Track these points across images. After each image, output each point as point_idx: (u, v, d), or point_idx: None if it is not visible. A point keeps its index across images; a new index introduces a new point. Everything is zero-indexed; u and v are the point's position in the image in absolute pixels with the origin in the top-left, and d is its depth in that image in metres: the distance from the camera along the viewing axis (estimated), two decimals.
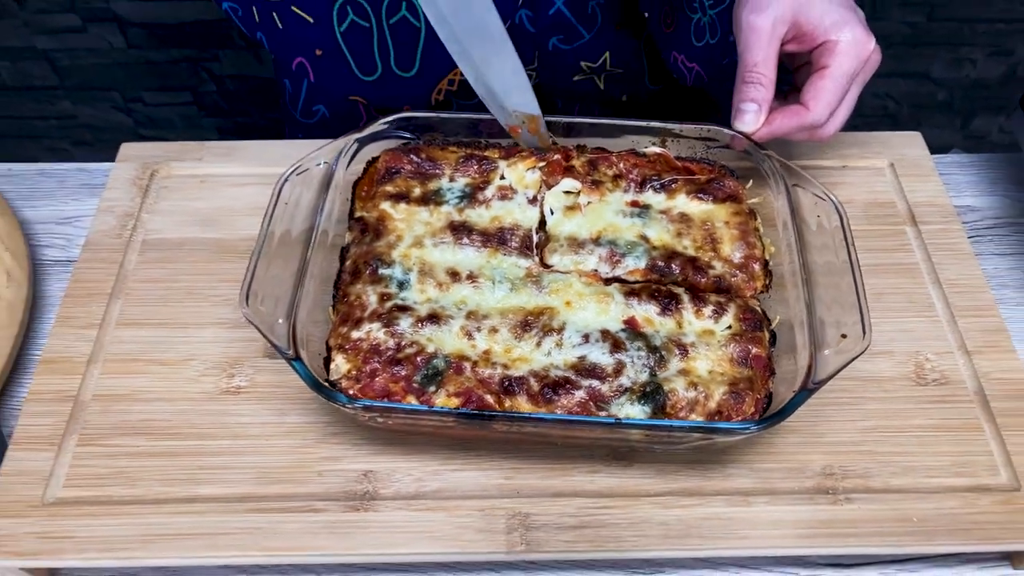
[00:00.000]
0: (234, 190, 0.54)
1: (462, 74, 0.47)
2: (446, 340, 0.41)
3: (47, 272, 0.55)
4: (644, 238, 0.45)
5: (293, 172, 0.46)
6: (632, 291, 0.43)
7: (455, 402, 0.39)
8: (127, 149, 0.56)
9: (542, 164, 0.48)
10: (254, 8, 0.59)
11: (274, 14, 0.58)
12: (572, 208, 0.46)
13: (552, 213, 0.47)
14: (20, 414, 0.44)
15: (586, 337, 0.41)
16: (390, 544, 0.40)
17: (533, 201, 0.47)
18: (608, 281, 0.44)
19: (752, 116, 0.47)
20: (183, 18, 1.38)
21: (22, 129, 1.53)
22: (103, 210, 0.53)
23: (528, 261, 0.45)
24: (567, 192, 0.47)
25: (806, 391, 0.38)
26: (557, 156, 0.48)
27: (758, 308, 0.43)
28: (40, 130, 1.52)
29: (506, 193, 0.47)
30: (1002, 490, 0.42)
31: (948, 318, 0.48)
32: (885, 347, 0.47)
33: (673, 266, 0.44)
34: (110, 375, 0.46)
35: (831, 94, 0.47)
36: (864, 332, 0.39)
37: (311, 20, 0.58)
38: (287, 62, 0.62)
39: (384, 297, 0.43)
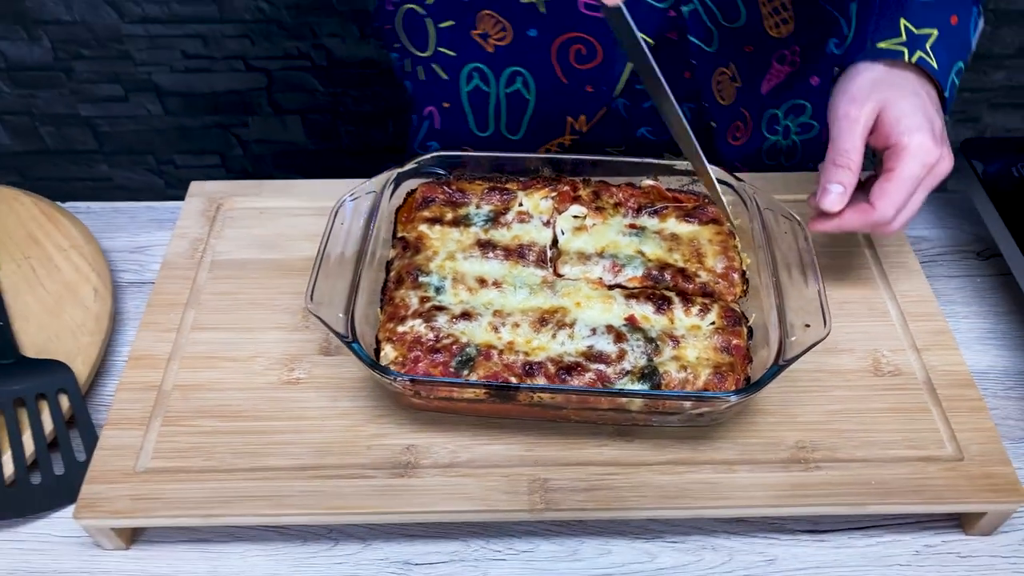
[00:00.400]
0: (289, 219, 0.62)
1: (560, 143, 0.57)
2: (476, 333, 0.49)
3: (124, 292, 0.63)
4: (641, 252, 0.54)
5: (348, 198, 0.54)
6: (631, 294, 0.51)
7: (485, 393, 0.47)
8: (196, 187, 0.65)
9: (554, 194, 0.57)
10: (408, 60, 0.72)
11: (420, 67, 0.71)
12: (580, 229, 0.55)
13: (563, 233, 0.55)
14: (113, 400, 0.52)
15: (593, 330, 0.49)
16: (430, 504, 0.47)
17: (547, 224, 0.55)
18: (611, 287, 0.52)
19: (837, 197, 0.52)
20: (216, 87, 1.50)
21: (60, 190, 1.63)
22: (177, 236, 0.62)
23: (543, 271, 0.53)
24: (575, 216, 0.56)
25: (777, 367, 0.45)
26: (566, 187, 0.57)
27: (737, 309, 0.51)
28: (78, 191, 1.62)
29: (524, 217, 0.56)
30: (947, 460, 0.49)
31: (901, 322, 0.56)
32: (847, 345, 0.54)
33: (665, 275, 0.52)
34: (187, 369, 0.53)
35: (897, 195, 0.51)
36: (825, 323, 0.47)
37: (446, 78, 0.69)
38: (421, 107, 0.74)
39: (424, 299, 0.51)
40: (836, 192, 0.52)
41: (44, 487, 0.51)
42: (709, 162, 0.54)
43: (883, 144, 0.52)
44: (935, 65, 0.53)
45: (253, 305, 0.57)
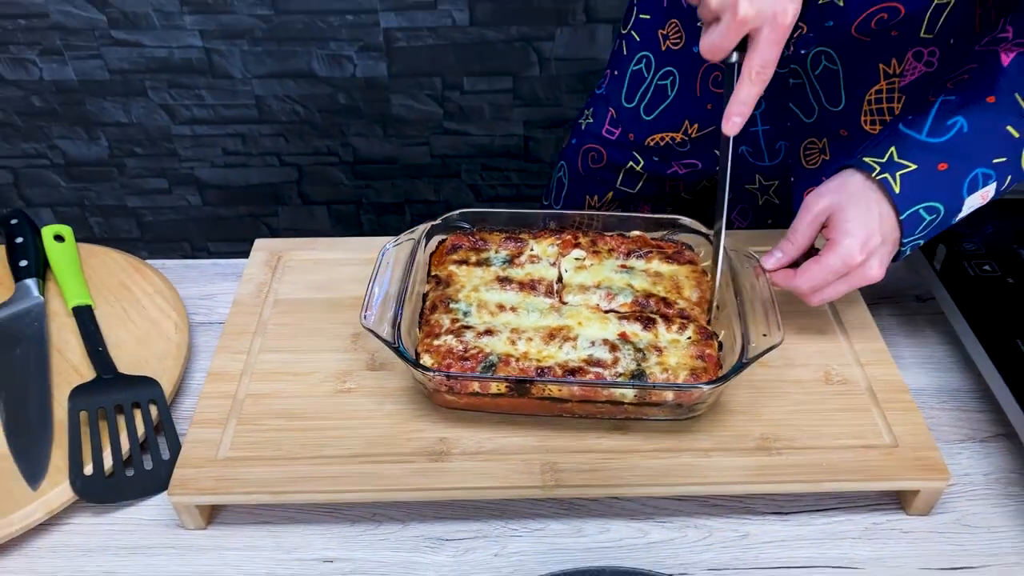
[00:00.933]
0: (339, 267, 0.74)
1: (673, 137, 0.77)
2: (497, 346, 0.60)
3: (196, 329, 0.74)
4: (630, 285, 0.65)
5: (391, 244, 0.66)
6: (623, 316, 0.62)
7: (504, 384, 0.58)
8: (260, 243, 0.77)
9: (559, 241, 0.69)
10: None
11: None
12: (580, 267, 0.67)
13: (566, 271, 0.67)
14: (197, 406, 0.62)
15: (592, 343, 0.60)
16: (460, 482, 0.56)
17: (553, 264, 0.67)
18: (607, 311, 0.63)
19: (774, 260, 0.63)
20: (251, 180, 1.65)
21: None
22: (245, 281, 0.73)
23: (551, 299, 0.64)
24: (576, 258, 0.67)
25: (740, 363, 0.56)
26: (568, 236, 0.69)
27: (709, 327, 0.62)
28: None
29: (534, 259, 0.67)
30: (885, 447, 0.58)
31: (847, 344, 0.67)
32: (803, 362, 0.65)
33: (650, 302, 0.63)
34: (257, 382, 0.64)
35: (814, 277, 0.60)
36: (779, 331, 0.58)
37: (625, 53, 0.84)
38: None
39: (454, 321, 0.62)
40: (775, 257, 0.64)
41: (136, 479, 0.60)
42: None
43: (826, 236, 0.62)
44: (896, 190, 0.60)
45: (310, 333, 0.68)
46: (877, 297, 0.77)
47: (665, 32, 0.80)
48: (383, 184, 1.66)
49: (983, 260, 0.72)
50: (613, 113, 0.86)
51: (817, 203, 0.62)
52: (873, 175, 0.61)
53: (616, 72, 0.86)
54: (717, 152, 0.72)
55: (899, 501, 0.60)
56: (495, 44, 1.47)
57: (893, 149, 0.61)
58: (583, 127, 0.90)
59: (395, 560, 0.57)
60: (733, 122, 0.58)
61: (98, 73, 1.50)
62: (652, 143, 0.85)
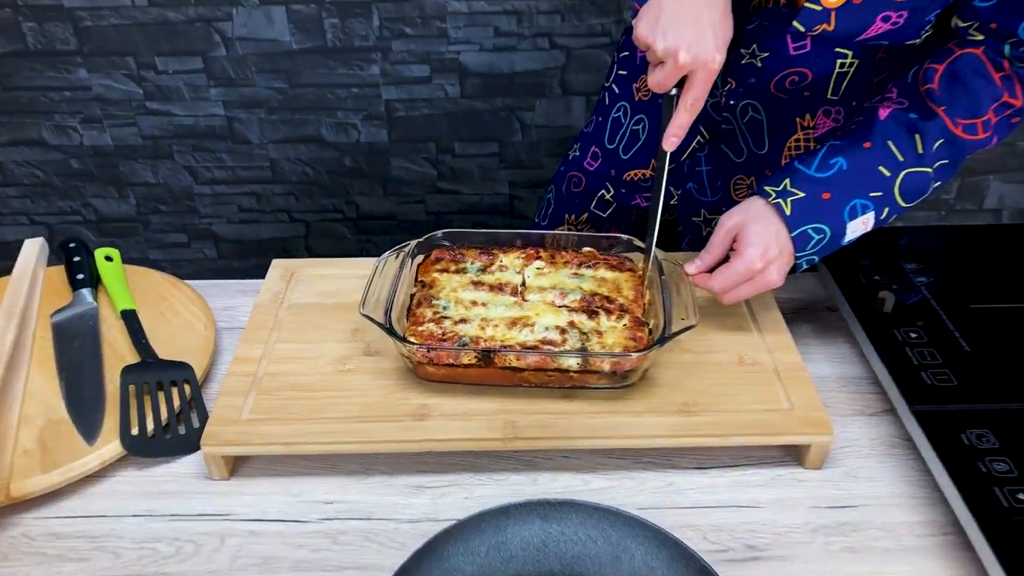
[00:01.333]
0: (343, 280, 0.87)
1: (642, 173, 0.95)
2: (469, 331, 0.73)
3: (220, 333, 0.87)
4: (580, 287, 0.79)
5: (389, 256, 0.80)
6: (572, 309, 0.76)
7: (473, 355, 0.71)
8: (276, 263, 0.92)
9: (523, 255, 0.83)
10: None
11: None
12: (540, 274, 0.81)
13: (529, 277, 0.81)
14: (224, 382, 0.75)
15: (546, 328, 0.73)
16: (438, 435, 0.69)
17: (519, 272, 0.81)
18: (560, 306, 0.77)
19: (695, 266, 0.77)
20: (263, 235, 1.81)
21: None
22: (264, 291, 0.87)
23: (515, 298, 0.78)
24: (537, 268, 0.82)
25: (663, 338, 0.69)
26: (531, 251, 0.83)
27: (641, 318, 0.76)
28: None
29: (503, 268, 0.81)
30: (783, 411, 0.71)
31: (759, 336, 0.80)
32: (722, 349, 0.78)
33: (595, 299, 0.77)
34: (273, 364, 0.77)
35: (725, 279, 0.74)
36: (695, 316, 0.72)
37: (607, 102, 0.99)
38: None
39: (435, 313, 0.75)
40: (695, 264, 0.78)
41: (172, 441, 0.73)
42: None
43: (735, 248, 0.76)
44: (788, 212, 0.74)
45: (317, 328, 0.81)
46: (796, 308, 0.90)
47: (638, 85, 0.96)
48: (382, 238, 1.81)
49: (874, 271, 0.86)
50: (596, 150, 1.02)
51: (728, 221, 0.77)
52: (769, 200, 0.76)
53: (600, 118, 1.02)
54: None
55: (797, 458, 0.72)
56: (483, 114, 1.66)
57: (787, 180, 0.76)
58: (570, 157, 1.07)
59: (383, 503, 0.69)
60: (671, 141, 0.73)
61: (131, 138, 1.68)
62: (626, 178, 1.00)
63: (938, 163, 0.75)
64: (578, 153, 1.05)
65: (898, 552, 0.65)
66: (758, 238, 0.74)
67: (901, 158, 0.75)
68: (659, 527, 0.61)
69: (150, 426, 0.73)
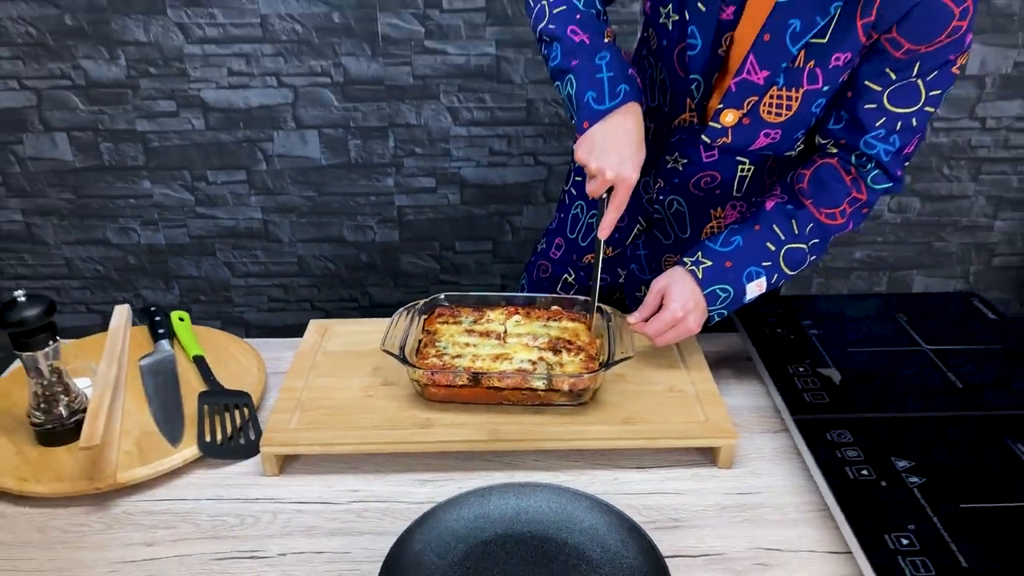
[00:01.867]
0: (367, 335, 1.10)
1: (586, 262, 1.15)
2: (463, 363, 0.95)
3: (267, 376, 1.10)
4: (548, 334, 1.02)
5: (402, 311, 1.03)
6: (541, 348, 0.98)
7: (465, 377, 0.93)
8: (313, 323, 1.14)
9: (506, 312, 1.06)
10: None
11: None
12: (518, 324, 1.03)
13: (509, 327, 1.03)
14: (275, 403, 0.96)
15: (522, 361, 0.95)
16: (439, 438, 0.90)
17: (502, 324, 1.04)
18: (532, 346, 0.99)
19: (635, 317, 0.97)
20: (288, 322, 2.04)
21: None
22: (304, 342, 1.09)
23: (499, 341, 1.00)
24: (516, 320, 1.05)
25: (607, 364, 0.91)
26: (512, 308, 1.06)
27: (594, 355, 0.98)
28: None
29: (489, 321, 1.04)
30: (700, 422, 0.92)
31: (686, 372, 1.02)
32: (657, 382, 1.00)
33: (560, 342, 1.00)
34: (312, 391, 0.98)
35: (656, 326, 0.95)
36: (632, 351, 0.94)
37: (567, 202, 1.24)
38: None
39: (437, 352, 0.98)
40: (635, 316, 1.00)
41: (235, 447, 0.93)
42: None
43: (663, 304, 0.99)
44: (700, 276, 0.97)
45: (346, 367, 1.03)
46: (722, 358, 1.12)
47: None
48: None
49: (778, 325, 1.09)
50: (559, 241, 1.27)
51: (657, 283, 1.01)
52: (686, 267, 1.00)
53: (562, 215, 1.27)
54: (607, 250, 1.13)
55: (713, 460, 0.93)
56: (479, 218, 1.93)
57: (700, 253, 1.01)
58: (539, 249, 1.31)
59: (396, 491, 0.89)
60: (604, 232, 0.98)
61: (181, 238, 1.94)
62: (584, 262, 1.24)
63: (811, 241, 1.00)
64: (544, 246, 1.30)
65: (783, 522, 0.85)
66: (679, 295, 0.98)
67: (783, 237, 0.99)
68: (603, 500, 0.81)
69: (219, 436, 0.94)
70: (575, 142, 0.96)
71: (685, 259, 1.01)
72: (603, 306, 1.03)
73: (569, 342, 1.00)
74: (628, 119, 0.93)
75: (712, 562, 0.80)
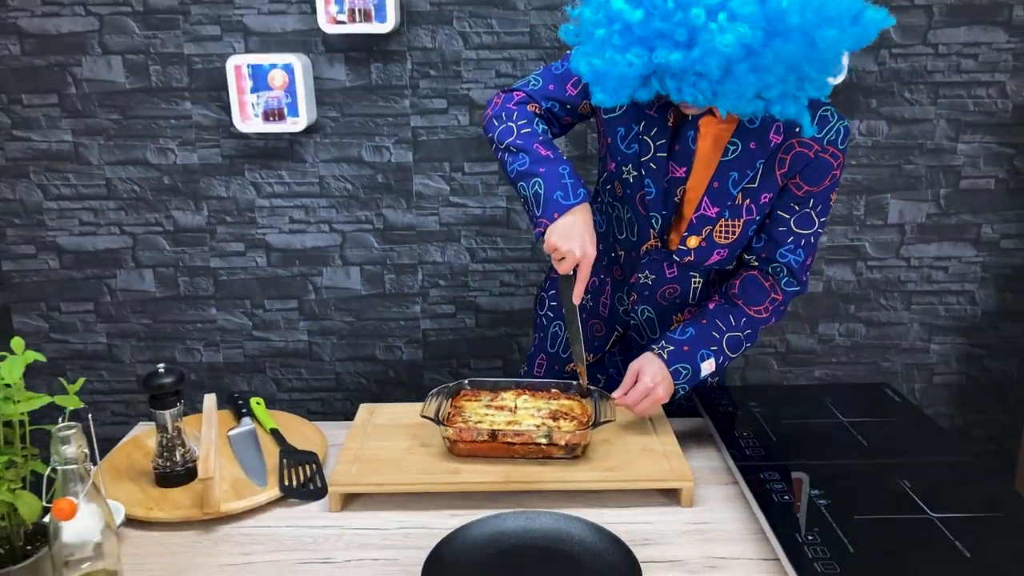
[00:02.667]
0: (404, 415, 1.37)
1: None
2: (483, 426, 1.22)
3: (329, 449, 1.35)
4: (549, 408, 1.28)
5: (434, 393, 1.31)
6: (543, 417, 1.25)
7: (485, 434, 1.19)
8: (363, 407, 1.41)
9: (515, 393, 1.33)
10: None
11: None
12: (526, 402, 1.31)
13: (518, 404, 1.30)
14: (338, 458, 1.21)
15: (528, 425, 1.22)
16: (465, 480, 1.15)
17: (513, 402, 1.31)
18: (536, 416, 1.26)
19: (617, 393, 1.24)
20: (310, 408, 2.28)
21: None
22: (357, 418, 1.36)
23: (511, 412, 1.27)
24: (524, 400, 1.32)
25: (594, 424, 1.18)
26: (520, 390, 1.34)
27: (586, 422, 1.24)
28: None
29: (503, 399, 1.32)
30: (666, 471, 1.17)
31: (656, 438, 1.27)
32: (635, 444, 1.25)
33: (558, 412, 1.26)
34: (365, 451, 1.24)
35: (633, 396, 1.20)
36: (613, 416, 1.20)
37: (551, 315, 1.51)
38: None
39: (462, 418, 1.24)
40: (616, 393, 1.27)
41: (307, 491, 1.18)
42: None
43: (638, 380, 1.26)
44: (665, 357, 1.23)
45: (390, 434, 1.29)
46: (690, 434, 1.38)
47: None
48: None
49: (730, 406, 1.36)
50: (542, 359, 1.55)
51: (634, 365, 1.28)
52: (654, 351, 1.29)
53: (541, 334, 1.57)
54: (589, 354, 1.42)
55: (677, 501, 1.17)
56: (491, 339, 2.22)
57: (663, 340, 1.30)
58: (522, 373, 1.60)
59: (432, 522, 1.12)
60: (578, 298, 1.26)
61: (237, 357, 2.23)
62: (566, 371, 1.53)
63: (745, 332, 1.29)
64: (526, 367, 1.59)
65: (729, 540, 1.08)
66: (650, 371, 1.26)
67: (724, 328, 1.29)
68: (591, 521, 1.06)
69: (295, 481, 1.19)
70: (541, 235, 1.23)
71: (652, 346, 1.30)
72: (592, 387, 1.31)
73: (565, 413, 1.27)
74: (586, 213, 1.22)
75: (674, 566, 1.03)
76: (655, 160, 1.27)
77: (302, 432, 1.35)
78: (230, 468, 1.22)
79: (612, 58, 1.05)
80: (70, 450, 0.84)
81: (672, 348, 1.28)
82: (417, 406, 1.31)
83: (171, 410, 1.16)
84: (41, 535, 0.93)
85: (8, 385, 0.86)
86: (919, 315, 2.25)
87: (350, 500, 1.18)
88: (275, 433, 1.32)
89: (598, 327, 1.48)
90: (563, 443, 1.18)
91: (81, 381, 0.95)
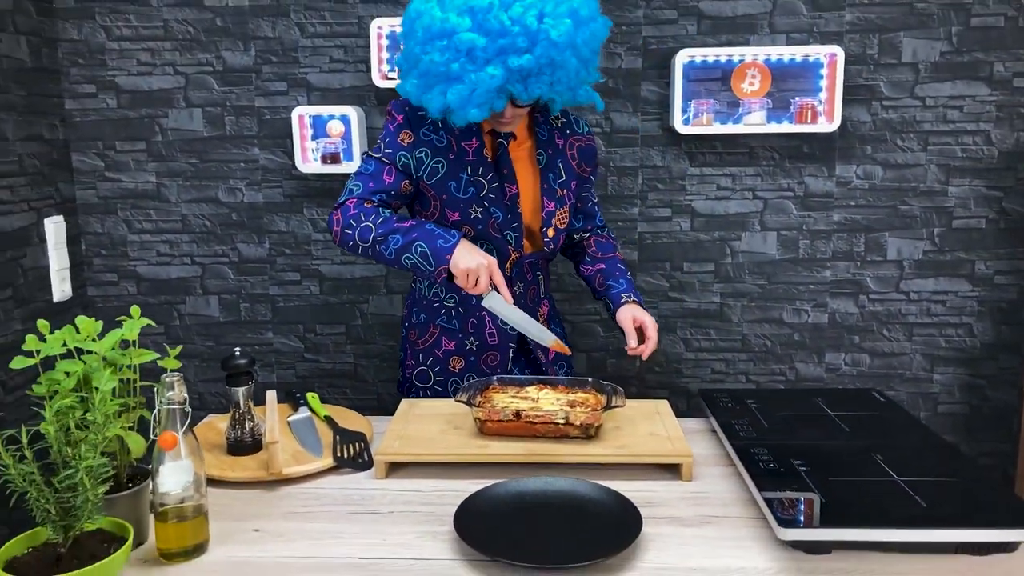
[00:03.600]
0: (439, 408, 1.54)
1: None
2: (508, 410, 1.38)
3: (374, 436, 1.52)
4: (567, 397, 1.44)
5: (468, 386, 1.47)
6: (562, 404, 1.40)
7: (512, 413, 1.34)
8: (404, 402, 1.58)
9: (537, 387, 1.49)
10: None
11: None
12: (546, 395, 1.46)
13: (540, 396, 1.46)
14: (384, 437, 1.38)
15: (547, 410, 1.38)
16: (494, 451, 1.30)
17: (535, 395, 1.47)
18: (556, 404, 1.41)
19: (629, 346, 1.51)
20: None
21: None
22: (399, 410, 1.53)
23: (534, 403, 1.43)
24: (544, 393, 1.47)
25: (606, 407, 1.33)
26: (540, 385, 1.50)
27: (599, 409, 1.39)
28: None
29: (526, 392, 1.48)
30: (669, 449, 1.31)
31: (662, 425, 1.41)
32: (642, 428, 1.39)
33: (576, 402, 1.42)
34: (408, 431, 1.39)
35: (651, 344, 1.51)
36: (622, 402, 1.36)
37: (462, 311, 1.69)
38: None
39: (491, 405, 1.41)
40: (629, 345, 1.50)
41: (357, 462, 1.34)
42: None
43: (637, 324, 1.50)
44: (639, 301, 1.57)
45: (429, 420, 1.45)
46: (696, 431, 1.52)
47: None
48: None
49: (726, 397, 1.50)
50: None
51: (628, 319, 1.53)
52: (631, 302, 1.56)
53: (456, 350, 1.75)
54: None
55: (679, 475, 1.30)
56: None
57: (622, 293, 1.59)
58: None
59: (464, 485, 1.27)
60: (509, 297, 1.45)
61: (289, 377, 2.42)
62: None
63: (623, 267, 1.68)
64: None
65: (721, 503, 1.21)
66: (645, 318, 1.52)
67: (622, 268, 1.66)
68: (600, 484, 1.20)
69: (346, 455, 1.36)
70: (448, 277, 1.44)
71: (621, 298, 1.59)
72: (604, 382, 1.47)
73: (581, 403, 1.43)
74: (466, 241, 1.44)
75: (672, 521, 1.16)
76: (492, 191, 1.51)
77: (352, 420, 1.52)
78: (290, 445, 1.39)
79: (477, 78, 1.32)
80: (173, 393, 1.03)
81: (632, 292, 1.60)
82: (451, 402, 1.48)
83: (244, 387, 1.34)
84: (142, 475, 1.11)
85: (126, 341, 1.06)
86: (920, 346, 2.36)
87: (393, 469, 1.33)
88: (328, 420, 1.50)
89: (493, 357, 1.67)
90: (579, 423, 1.34)
91: (179, 348, 1.14)
